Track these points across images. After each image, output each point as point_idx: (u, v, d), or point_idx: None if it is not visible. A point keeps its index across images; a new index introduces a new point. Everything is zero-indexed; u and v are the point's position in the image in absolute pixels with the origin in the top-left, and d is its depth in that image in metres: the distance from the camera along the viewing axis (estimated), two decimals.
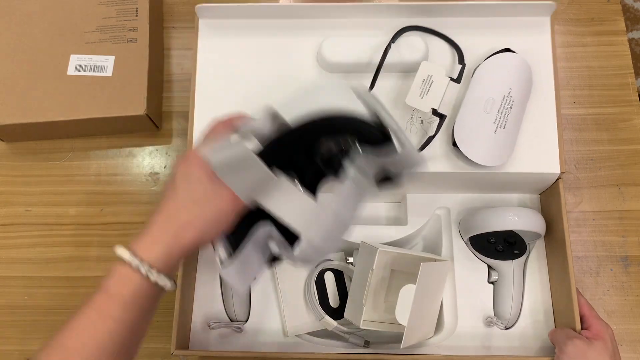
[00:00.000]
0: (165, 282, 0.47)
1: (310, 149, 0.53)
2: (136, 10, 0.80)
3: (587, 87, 0.82)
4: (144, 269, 0.46)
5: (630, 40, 1.46)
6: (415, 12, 0.71)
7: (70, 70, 0.77)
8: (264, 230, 0.51)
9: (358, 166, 0.50)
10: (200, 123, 0.69)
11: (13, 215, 0.78)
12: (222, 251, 0.51)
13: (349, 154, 0.51)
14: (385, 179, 0.52)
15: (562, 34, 0.85)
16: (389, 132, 0.49)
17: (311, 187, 0.54)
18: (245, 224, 0.52)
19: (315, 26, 0.72)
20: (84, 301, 0.46)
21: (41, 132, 0.79)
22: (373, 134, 0.49)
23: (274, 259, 0.53)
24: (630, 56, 0.83)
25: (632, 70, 0.83)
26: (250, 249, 0.50)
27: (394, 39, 0.69)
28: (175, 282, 0.48)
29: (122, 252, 0.47)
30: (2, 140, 0.81)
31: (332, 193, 0.50)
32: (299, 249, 0.48)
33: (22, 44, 0.78)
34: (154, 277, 0.46)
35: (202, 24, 0.72)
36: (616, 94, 0.82)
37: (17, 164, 0.80)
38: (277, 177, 0.49)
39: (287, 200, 0.49)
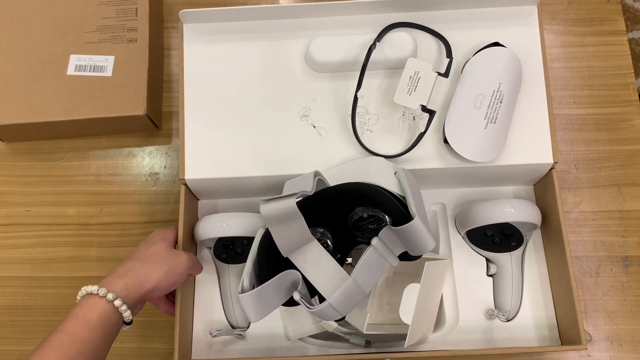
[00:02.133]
0: (125, 311, 0.55)
1: (346, 213, 0.61)
2: (136, 10, 0.80)
3: (587, 87, 0.82)
4: (110, 296, 0.54)
5: (630, 40, 1.46)
6: (402, 6, 0.70)
7: (70, 70, 0.77)
8: (291, 278, 0.57)
9: (384, 240, 0.56)
10: (191, 134, 0.69)
11: (13, 215, 0.78)
12: (246, 280, 0.57)
13: (379, 227, 0.58)
14: (405, 254, 0.58)
15: (562, 34, 0.85)
16: (411, 216, 0.55)
17: (343, 246, 0.63)
18: (277, 266, 0.58)
19: (302, 26, 0.72)
20: (56, 327, 0.52)
21: (41, 132, 0.79)
22: (399, 214, 0.56)
23: (291, 302, 0.58)
24: (630, 56, 0.83)
25: (632, 70, 0.83)
26: (272, 287, 0.56)
27: (378, 37, 0.69)
28: (132, 320, 0.57)
29: (90, 288, 0.55)
30: (2, 140, 0.81)
31: (357, 262, 0.55)
32: (319, 307, 0.54)
33: (22, 44, 0.78)
34: (118, 303, 0.54)
35: (187, 29, 0.72)
36: (616, 94, 0.82)
37: (17, 164, 0.80)
38: (313, 238, 0.57)
39: (319, 264, 0.57)
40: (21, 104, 0.75)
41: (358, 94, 0.68)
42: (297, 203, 0.54)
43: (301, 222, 0.55)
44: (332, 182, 0.62)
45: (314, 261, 0.57)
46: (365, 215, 0.60)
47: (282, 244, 0.57)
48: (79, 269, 0.75)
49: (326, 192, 0.60)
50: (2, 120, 0.75)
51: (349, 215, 0.61)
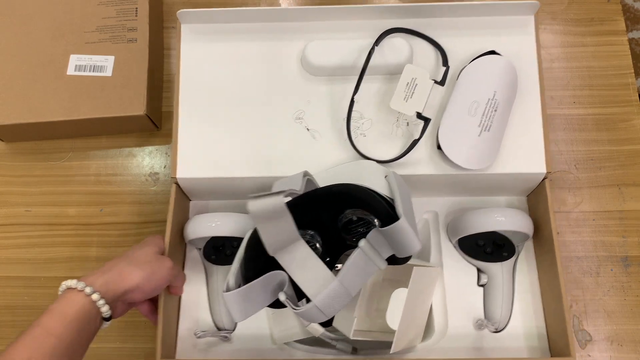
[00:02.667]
0: (103, 305, 0.54)
1: (336, 215, 0.60)
2: (136, 10, 0.80)
3: (587, 87, 0.82)
4: (88, 289, 0.54)
5: (630, 40, 1.46)
6: (399, 13, 0.71)
7: (70, 70, 0.77)
8: (278, 279, 0.56)
9: (372, 242, 0.55)
10: (185, 132, 0.69)
11: (13, 215, 0.78)
12: (232, 279, 0.57)
13: (368, 230, 0.57)
14: (393, 258, 0.57)
15: (562, 34, 0.85)
16: (398, 217, 0.54)
17: (332, 249, 0.62)
18: (264, 266, 0.57)
19: (299, 29, 0.72)
20: (33, 322, 0.52)
21: (41, 132, 0.79)
22: (387, 216, 0.56)
23: (277, 304, 0.57)
24: (630, 56, 0.83)
25: (632, 70, 0.83)
26: (257, 287, 0.56)
27: (377, 42, 0.69)
28: (111, 317, 0.56)
29: (69, 282, 0.55)
30: (2, 140, 0.81)
31: (344, 264, 0.54)
32: (304, 307, 0.53)
33: (22, 44, 0.78)
34: (96, 297, 0.54)
35: (185, 28, 0.72)
36: (616, 94, 0.82)
37: (17, 164, 0.80)
38: (301, 238, 0.56)
39: (305, 264, 0.56)
40: (21, 104, 0.75)
41: (355, 98, 0.68)
42: (286, 204, 0.54)
43: (289, 220, 0.54)
44: (323, 184, 0.62)
45: (301, 261, 0.56)
46: (354, 218, 0.60)
47: (269, 242, 0.56)
48: (79, 269, 0.75)
49: (316, 193, 0.60)
50: (2, 120, 0.75)
51: (339, 217, 0.60)
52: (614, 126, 0.80)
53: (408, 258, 0.57)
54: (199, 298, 0.71)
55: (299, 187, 0.57)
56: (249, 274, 0.58)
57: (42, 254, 0.76)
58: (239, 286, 0.56)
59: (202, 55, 0.72)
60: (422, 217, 0.73)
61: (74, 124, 0.77)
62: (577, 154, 0.79)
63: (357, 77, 0.68)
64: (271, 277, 0.56)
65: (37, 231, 0.77)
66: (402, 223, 0.53)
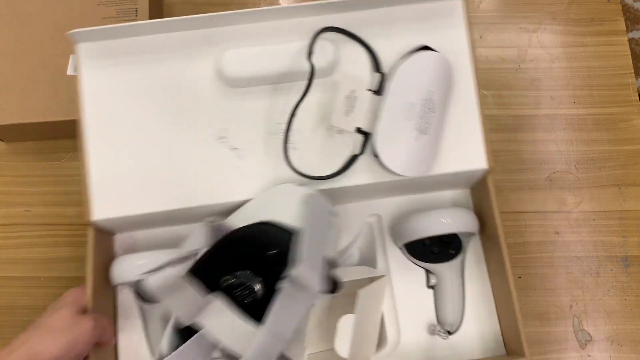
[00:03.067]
0: None
1: (261, 250, 0.56)
2: (136, 11, 0.80)
3: (587, 87, 0.82)
4: None
5: (630, 40, 1.46)
6: (317, 10, 0.63)
7: (70, 71, 0.77)
8: (209, 336, 0.52)
9: (295, 279, 0.50)
10: (97, 167, 0.64)
11: (13, 215, 0.78)
12: (165, 342, 0.52)
13: (285, 267, 0.52)
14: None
15: (562, 34, 0.85)
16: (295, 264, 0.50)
17: (273, 278, 0.55)
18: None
19: (213, 38, 0.64)
20: None
21: (41, 132, 0.79)
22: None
23: None
24: (630, 56, 0.83)
25: (632, 70, 0.83)
26: (192, 349, 0.51)
27: (309, 53, 0.61)
28: None
29: None
30: (2, 140, 0.81)
31: (267, 311, 0.50)
32: None
33: (22, 44, 0.78)
34: None
35: (83, 49, 0.64)
36: (616, 94, 0.82)
37: (17, 164, 0.80)
38: (213, 298, 0.52)
39: (223, 322, 0.51)
40: (21, 104, 0.75)
41: (282, 109, 0.63)
42: (204, 256, 0.51)
43: (193, 290, 0.50)
44: (241, 222, 0.58)
45: (219, 320, 0.51)
46: (269, 258, 0.56)
47: (180, 314, 0.51)
48: (79, 269, 0.75)
49: (220, 244, 0.56)
50: (2, 120, 0.75)
51: (265, 252, 0.57)
52: (614, 126, 0.80)
53: (342, 284, 0.53)
54: (138, 344, 0.65)
55: (201, 245, 0.53)
56: (184, 331, 0.53)
57: (42, 254, 0.76)
58: (175, 348, 0.52)
59: (106, 77, 0.64)
60: (365, 221, 0.69)
61: (74, 124, 0.76)
62: (577, 154, 0.79)
63: (280, 85, 0.62)
64: (203, 336, 0.52)
65: (37, 231, 0.77)
66: (297, 272, 0.49)
